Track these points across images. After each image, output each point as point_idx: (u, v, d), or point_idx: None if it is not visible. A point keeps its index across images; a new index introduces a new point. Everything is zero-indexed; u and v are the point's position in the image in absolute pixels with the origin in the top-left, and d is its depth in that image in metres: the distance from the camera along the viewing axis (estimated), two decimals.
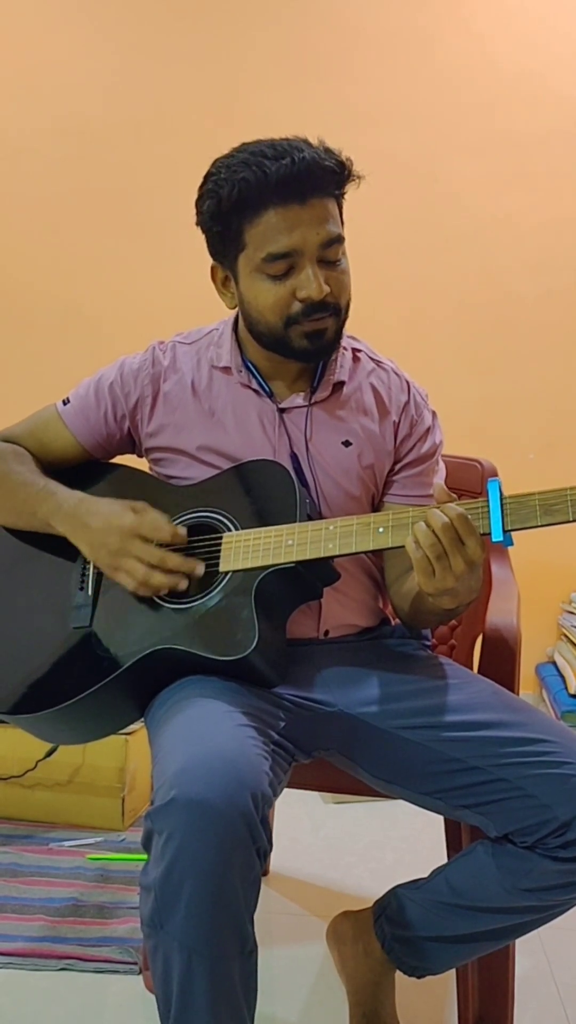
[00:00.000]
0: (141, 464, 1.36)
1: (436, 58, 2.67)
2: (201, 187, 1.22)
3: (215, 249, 1.24)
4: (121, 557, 1.18)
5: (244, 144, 1.20)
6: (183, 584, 1.17)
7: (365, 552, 1.16)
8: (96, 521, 1.21)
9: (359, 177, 1.21)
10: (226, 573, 1.17)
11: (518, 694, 1.31)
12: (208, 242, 1.25)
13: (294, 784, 1.31)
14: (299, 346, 1.21)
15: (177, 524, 1.24)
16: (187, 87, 2.68)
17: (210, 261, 1.27)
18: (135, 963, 1.53)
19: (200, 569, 1.18)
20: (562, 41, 2.65)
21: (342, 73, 2.67)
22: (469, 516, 1.05)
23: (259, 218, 1.16)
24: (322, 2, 2.68)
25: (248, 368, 1.29)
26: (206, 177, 1.21)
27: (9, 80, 2.69)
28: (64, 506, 1.25)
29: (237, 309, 1.30)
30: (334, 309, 1.20)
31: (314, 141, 1.19)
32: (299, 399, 1.29)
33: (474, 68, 2.67)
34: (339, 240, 1.19)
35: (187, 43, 2.67)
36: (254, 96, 2.65)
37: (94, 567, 1.25)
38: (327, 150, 1.18)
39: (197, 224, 1.24)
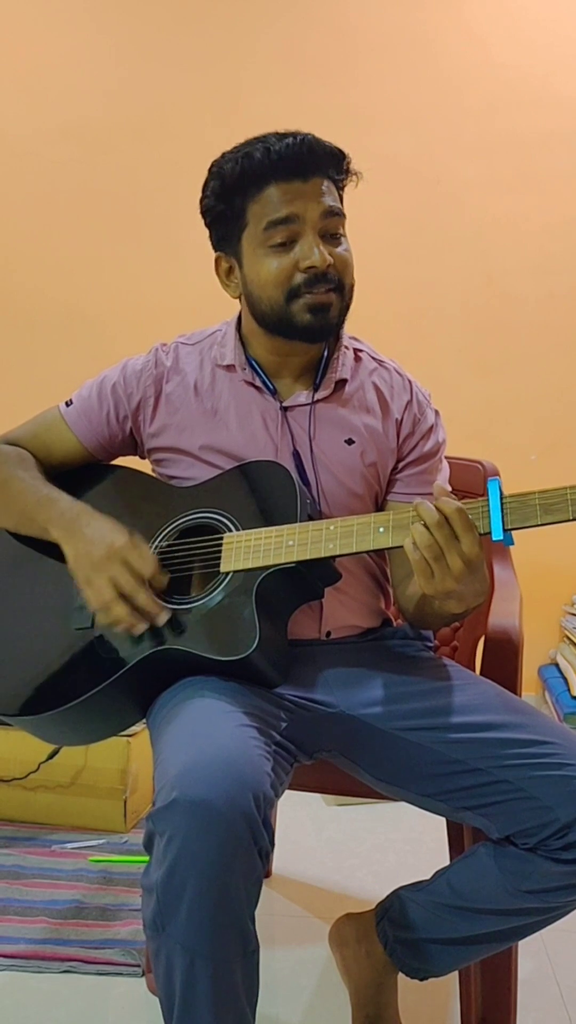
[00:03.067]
0: (144, 466, 1.36)
1: (437, 60, 2.67)
2: (206, 178, 1.25)
3: (219, 236, 1.26)
4: (97, 572, 1.16)
5: (249, 139, 1.24)
6: (140, 627, 1.15)
7: (366, 552, 1.16)
8: (91, 531, 1.20)
9: (357, 174, 1.23)
10: (227, 573, 1.17)
11: (520, 696, 1.31)
12: (212, 231, 1.27)
13: (296, 786, 1.31)
14: (302, 321, 1.21)
15: (179, 525, 1.24)
16: (189, 90, 2.69)
17: (211, 260, 1.28)
18: (138, 965, 1.53)
19: (163, 617, 1.15)
20: (563, 43, 2.66)
21: (343, 76, 2.67)
22: (465, 510, 1.05)
23: (262, 193, 1.19)
24: (323, 5, 2.68)
25: (252, 365, 1.30)
26: (210, 167, 1.25)
27: (12, 82, 2.70)
28: (66, 513, 1.25)
29: (239, 310, 1.30)
30: (337, 284, 1.21)
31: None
32: (302, 397, 1.29)
33: (475, 70, 2.67)
34: (340, 214, 1.22)
35: (189, 46, 2.68)
36: (255, 99, 2.66)
37: None
38: (328, 142, 1.22)
39: (201, 213, 1.26)
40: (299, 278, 1.19)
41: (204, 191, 1.25)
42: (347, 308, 1.25)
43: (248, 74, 2.68)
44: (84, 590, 1.19)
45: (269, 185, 1.18)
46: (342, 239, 1.23)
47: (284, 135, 1.20)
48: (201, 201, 1.26)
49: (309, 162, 1.19)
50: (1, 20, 2.69)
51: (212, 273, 1.30)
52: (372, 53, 2.67)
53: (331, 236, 1.21)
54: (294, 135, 1.19)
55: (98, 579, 1.16)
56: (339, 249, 1.22)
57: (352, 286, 1.24)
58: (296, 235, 1.19)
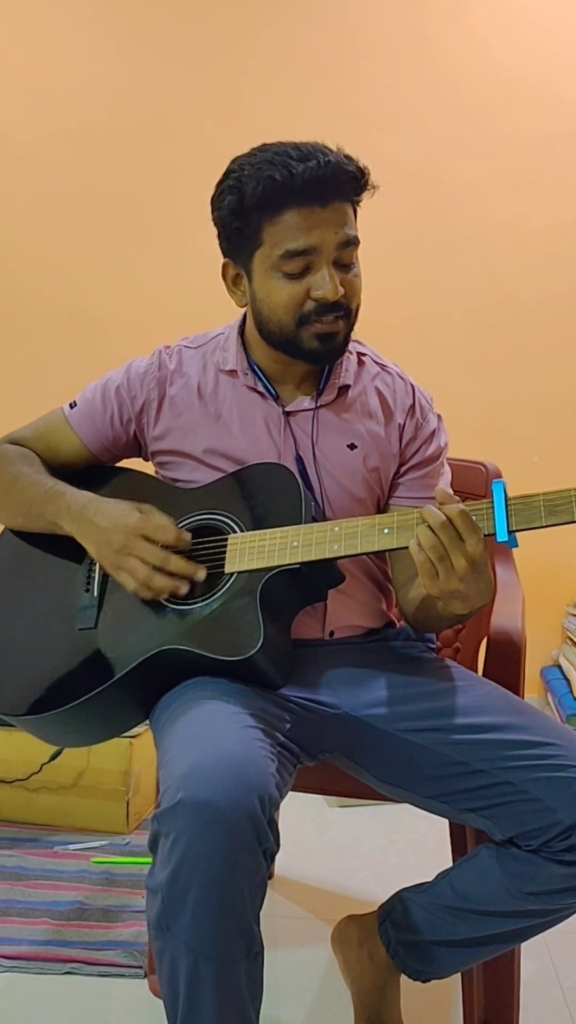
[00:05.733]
0: (147, 468, 1.37)
1: (438, 62, 2.67)
2: (220, 183, 1.23)
3: (230, 246, 1.25)
4: (124, 556, 1.18)
5: (265, 144, 1.21)
6: (184, 588, 1.17)
7: (370, 553, 1.16)
8: (103, 520, 1.21)
9: (375, 187, 1.22)
10: (231, 574, 1.17)
11: (523, 697, 1.31)
12: (222, 239, 1.26)
13: (299, 787, 1.30)
14: (309, 347, 1.22)
15: (183, 527, 1.24)
16: (190, 92, 2.69)
17: (217, 262, 1.28)
18: (140, 967, 1.53)
19: (201, 574, 1.17)
20: (564, 44, 2.66)
21: (345, 78, 2.67)
22: (469, 513, 1.05)
23: (280, 216, 1.17)
24: (324, 7, 2.69)
25: (254, 371, 1.30)
26: (226, 174, 1.22)
27: (15, 85, 2.70)
28: (72, 505, 1.25)
29: (243, 312, 1.31)
30: (346, 311, 1.22)
31: (333, 147, 1.20)
32: (305, 402, 1.29)
33: (476, 72, 2.67)
34: (355, 243, 1.21)
35: (190, 48, 2.68)
36: (257, 101, 2.66)
37: (100, 568, 1.25)
38: (347, 156, 1.20)
39: (214, 220, 1.25)
40: (310, 305, 1.20)
41: (219, 201, 1.22)
42: (352, 328, 1.25)
43: (249, 76, 2.68)
44: (116, 577, 1.21)
45: (288, 210, 1.16)
46: (354, 264, 1.22)
47: (306, 154, 1.16)
48: (215, 210, 1.24)
49: (330, 187, 1.16)
50: (4, 23, 2.69)
51: (214, 276, 1.29)
52: (373, 55, 2.67)
53: (344, 264, 1.20)
54: (317, 157, 1.16)
55: (127, 562, 1.18)
56: (350, 275, 1.21)
57: (359, 306, 1.24)
58: (311, 264, 1.18)
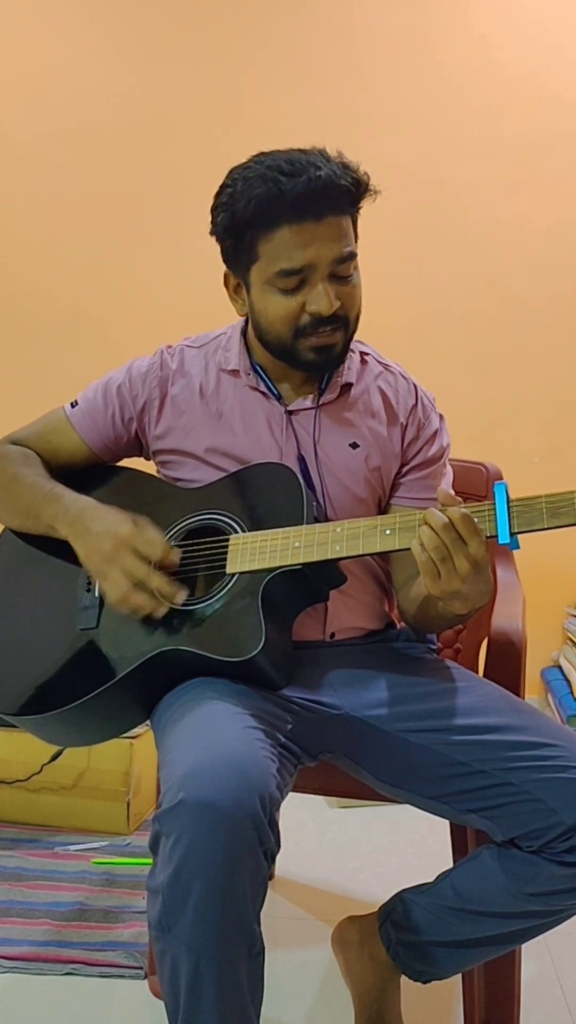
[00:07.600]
0: (148, 467, 1.37)
1: (440, 63, 2.67)
2: (216, 197, 1.22)
3: (228, 258, 1.25)
4: (109, 565, 1.17)
5: (262, 154, 1.20)
6: (161, 611, 1.16)
7: (372, 554, 1.16)
8: (96, 526, 1.21)
9: (375, 192, 1.21)
10: (233, 575, 1.17)
11: (523, 698, 1.31)
12: (222, 251, 1.26)
13: (299, 788, 1.31)
14: (306, 359, 1.22)
15: (184, 526, 1.24)
16: (192, 93, 2.69)
17: (217, 262, 1.28)
18: (140, 967, 1.53)
19: (180, 597, 1.16)
20: (566, 45, 2.66)
21: (346, 79, 2.68)
22: (471, 516, 1.05)
23: (273, 233, 1.17)
24: (326, 8, 2.69)
25: (256, 371, 1.30)
26: (221, 188, 1.22)
27: (17, 87, 2.70)
28: (70, 510, 1.25)
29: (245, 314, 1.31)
30: (343, 322, 1.22)
31: (332, 152, 1.19)
32: (307, 401, 1.29)
33: (478, 72, 2.67)
34: (352, 257, 1.20)
35: (192, 50, 2.68)
36: (258, 101, 2.66)
37: None
38: (344, 166, 1.18)
39: (211, 233, 1.25)
40: (306, 319, 1.19)
41: (215, 216, 1.22)
42: (352, 337, 1.25)
43: (251, 78, 2.68)
44: (100, 585, 1.20)
45: (281, 226, 1.15)
46: (352, 276, 1.21)
47: (298, 168, 1.14)
48: (212, 224, 1.23)
49: (323, 202, 1.15)
50: (5, 25, 2.69)
51: (214, 276, 1.30)
52: (375, 56, 2.68)
53: (341, 277, 1.20)
54: (308, 171, 1.14)
55: (111, 572, 1.17)
56: (347, 287, 1.20)
57: (358, 315, 1.24)
58: (306, 279, 1.18)
